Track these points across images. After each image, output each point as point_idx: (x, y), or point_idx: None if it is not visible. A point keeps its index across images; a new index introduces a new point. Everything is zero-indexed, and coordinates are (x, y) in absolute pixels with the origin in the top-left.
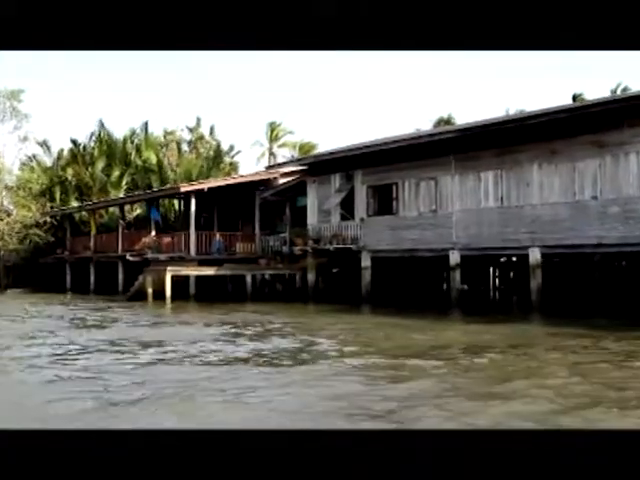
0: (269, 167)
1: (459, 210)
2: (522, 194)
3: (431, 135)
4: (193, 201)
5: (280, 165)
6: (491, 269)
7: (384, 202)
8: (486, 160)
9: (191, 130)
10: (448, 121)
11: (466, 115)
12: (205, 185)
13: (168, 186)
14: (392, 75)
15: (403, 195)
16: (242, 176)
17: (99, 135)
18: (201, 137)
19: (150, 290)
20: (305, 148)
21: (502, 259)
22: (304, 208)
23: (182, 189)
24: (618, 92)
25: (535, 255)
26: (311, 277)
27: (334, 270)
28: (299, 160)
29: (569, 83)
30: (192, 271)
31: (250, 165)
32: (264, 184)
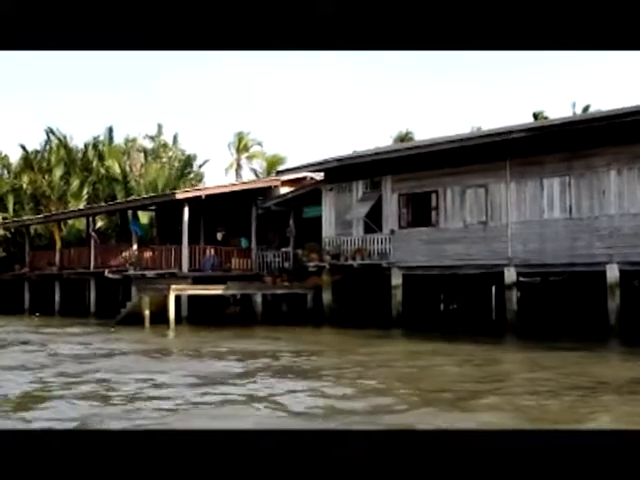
0: (279, 172)
1: (516, 222)
2: (597, 204)
3: (481, 137)
4: (186, 210)
5: (291, 170)
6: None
7: (420, 213)
8: (550, 165)
9: (152, 138)
10: (407, 136)
11: (426, 131)
12: (203, 192)
13: (153, 194)
14: (354, 89)
15: (445, 205)
16: (244, 182)
17: (48, 140)
18: (164, 145)
19: (147, 312)
20: (273, 160)
21: (552, 278)
22: (311, 220)
23: (178, 196)
24: (578, 110)
25: (613, 272)
26: (327, 296)
27: (351, 288)
28: (316, 164)
29: (530, 100)
30: (199, 290)
31: (218, 176)
32: (263, 193)
